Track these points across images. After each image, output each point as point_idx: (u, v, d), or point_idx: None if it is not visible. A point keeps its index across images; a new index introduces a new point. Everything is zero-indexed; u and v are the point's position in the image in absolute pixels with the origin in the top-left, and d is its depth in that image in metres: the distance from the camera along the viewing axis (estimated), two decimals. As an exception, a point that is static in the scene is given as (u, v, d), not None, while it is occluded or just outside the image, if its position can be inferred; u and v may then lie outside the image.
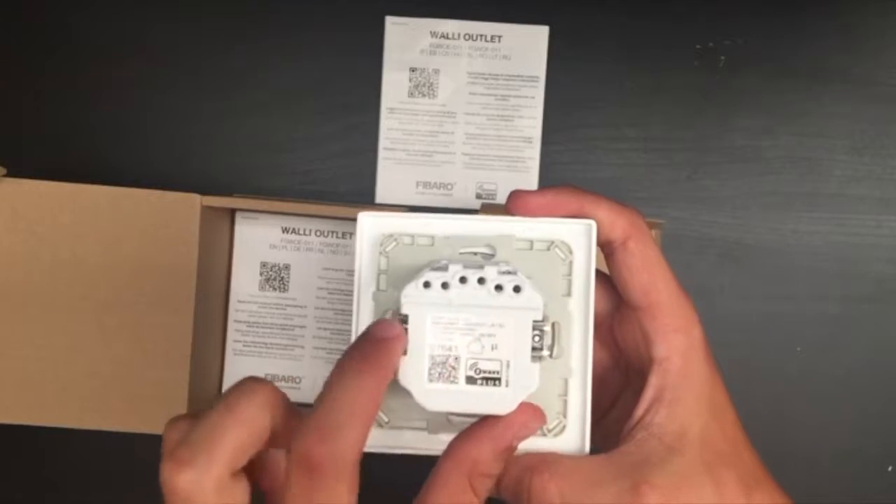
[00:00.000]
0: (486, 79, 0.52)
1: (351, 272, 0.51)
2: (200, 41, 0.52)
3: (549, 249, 0.27)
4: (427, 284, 0.25)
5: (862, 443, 0.52)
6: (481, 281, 0.25)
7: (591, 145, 0.52)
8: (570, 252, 0.27)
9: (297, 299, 0.51)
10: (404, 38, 0.51)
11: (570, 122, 0.52)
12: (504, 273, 0.25)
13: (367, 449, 0.22)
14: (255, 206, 0.48)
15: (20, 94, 0.52)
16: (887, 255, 0.52)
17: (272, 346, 0.51)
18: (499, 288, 0.25)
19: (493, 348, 0.25)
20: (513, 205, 0.27)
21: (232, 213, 0.51)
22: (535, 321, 0.25)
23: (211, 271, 0.47)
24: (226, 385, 0.51)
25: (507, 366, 0.25)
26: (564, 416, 0.26)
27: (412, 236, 0.27)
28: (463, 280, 0.25)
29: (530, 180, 0.52)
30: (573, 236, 0.27)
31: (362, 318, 0.27)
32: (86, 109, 0.52)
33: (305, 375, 0.52)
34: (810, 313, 0.52)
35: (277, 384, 0.50)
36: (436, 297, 0.25)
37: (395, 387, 0.25)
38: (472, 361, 0.25)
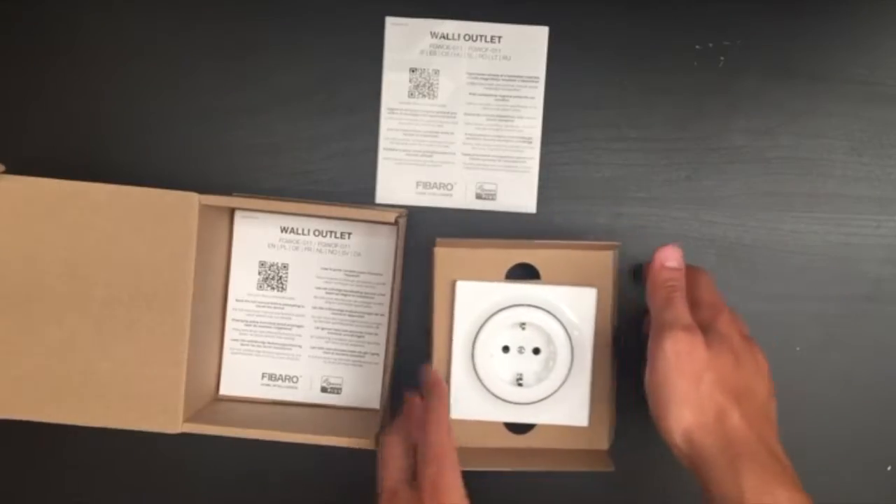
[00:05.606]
0: (486, 79, 0.52)
1: (349, 272, 0.51)
2: (200, 40, 0.52)
3: None
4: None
5: (862, 443, 0.52)
6: None
7: (591, 145, 0.52)
8: None
9: (296, 299, 0.51)
10: (404, 38, 0.52)
11: (570, 122, 0.52)
12: None
13: None
14: (254, 205, 0.48)
15: (20, 92, 0.52)
16: (886, 255, 0.52)
17: (270, 346, 0.51)
18: None
19: None
20: None
21: (231, 212, 0.51)
22: None
23: (209, 270, 0.47)
24: (223, 383, 0.52)
25: None
26: None
27: None
28: None
29: (530, 180, 0.52)
30: None
31: None
32: (86, 108, 0.52)
33: (302, 375, 0.52)
34: (810, 313, 0.52)
35: (275, 383, 0.51)
36: None
37: None
38: None
